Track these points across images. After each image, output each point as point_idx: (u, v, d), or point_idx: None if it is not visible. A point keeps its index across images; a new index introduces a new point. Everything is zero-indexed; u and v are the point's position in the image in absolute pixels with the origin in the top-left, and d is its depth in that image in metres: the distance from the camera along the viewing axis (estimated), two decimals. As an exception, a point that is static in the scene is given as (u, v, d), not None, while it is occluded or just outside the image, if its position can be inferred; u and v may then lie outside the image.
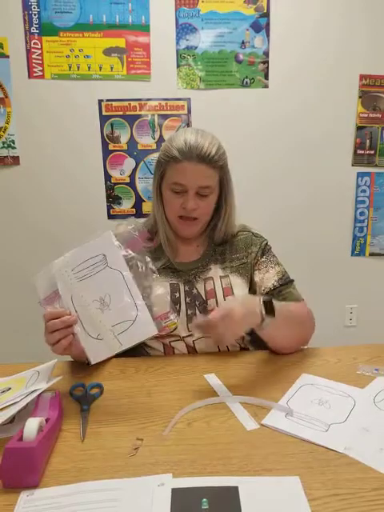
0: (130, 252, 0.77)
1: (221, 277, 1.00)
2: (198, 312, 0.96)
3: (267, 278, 1.01)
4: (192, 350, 0.97)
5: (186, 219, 0.96)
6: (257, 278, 1.02)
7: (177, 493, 0.52)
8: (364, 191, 2.14)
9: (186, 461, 0.59)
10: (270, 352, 0.95)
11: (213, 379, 0.81)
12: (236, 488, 0.53)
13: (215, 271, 1.01)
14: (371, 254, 2.21)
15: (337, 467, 0.57)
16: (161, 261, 0.99)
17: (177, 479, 0.55)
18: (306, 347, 0.97)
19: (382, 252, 2.21)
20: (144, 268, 0.81)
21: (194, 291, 0.98)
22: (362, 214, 2.17)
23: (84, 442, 0.64)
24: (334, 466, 0.57)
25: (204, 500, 0.51)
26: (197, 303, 0.97)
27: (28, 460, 0.54)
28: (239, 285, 1.00)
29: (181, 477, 0.55)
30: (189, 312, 0.96)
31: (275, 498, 0.52)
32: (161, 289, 0.89)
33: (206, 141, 0.91)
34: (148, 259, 0.81)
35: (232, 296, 0.98)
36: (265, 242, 1.07)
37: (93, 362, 0.73)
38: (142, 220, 1.07)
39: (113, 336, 0.72)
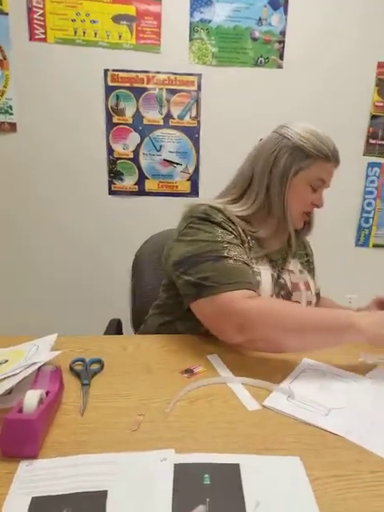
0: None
1: (299, 270, 1.06)
2: None
3: (316, 281, 1.13)
4: None
5: (306, 213, 1.03)
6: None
7: (179, 468, 0.52)
8: (373, 182, 2.12)
9: (187, 437, 0.59)
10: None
11: (216, 360, 0.81)
12: (237, 465, 0.53)
13: (294, 265, 1.05)
14: (375, 246, 2.21)
15: (336, 450, 0.58)
16: (264, 250, 0.99)
17: (179, 455, 0.55)
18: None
19: (385, 244, 2.22)
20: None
21: (282, 281, 0.99)
22: (369, 204, 2.15)
23: (84, 415, 0.63)
24: (333, 449, 0.58)
25: (206, 475, 0.51)
26: (282, 293, 0.98)
27: (28, 431, 0.54)
28: (311, 281, 1.08)
29: (183, 453, 0.55)
30: None
31: (276, 476, 0.52)
32: (267, 278, 0.95)
33: None
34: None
35: (310, 292, 1.05)
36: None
37: None
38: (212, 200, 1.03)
39: None
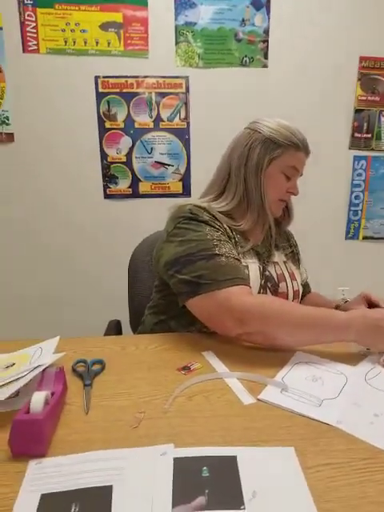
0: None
1: (284, 262, 1.09)
2: (269, 293, 1.02)
3: (303, 271, 1.18)
4: None
5: (282, 201, 1.06)
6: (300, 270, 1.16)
7: (178, 462, 0.55)
8: (360, 175, 2.15)
9: (186, 432, 0.61)
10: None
11: (211, 356, 0.84)
12: (234, 457, 0.56)
13: (279, 256, 1.09)
14: (365, 238, 2.24)
15: (329, 439, 0.60)
16: (249, 242, 1.02)
17: (178, 449, 0.57)
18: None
19: (375, 236, 2.24)
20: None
21: (267, 273, 1.02)
22: (357, 197, 2.18)
23: (88, 414, 0.66)
24: (326, 438, 0.60)
25: (204, 468, 0.54)
26: (269, 285, 1.01)
27: (35, 431, 0.56)
28: (295, 271, 1.11)
29: (182, 447, 0.58)
30: (261, 293, 1.01)
31: (271, 466, 0.55)
32: (255, 271, 0.99)
33: None
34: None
35: (296, 281, 1.09)
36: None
37: None
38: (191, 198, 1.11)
39: None
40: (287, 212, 1.15)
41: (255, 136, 1.00)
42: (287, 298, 1.05)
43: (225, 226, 0.99)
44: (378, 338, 0.81)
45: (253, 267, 0.99)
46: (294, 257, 1.17)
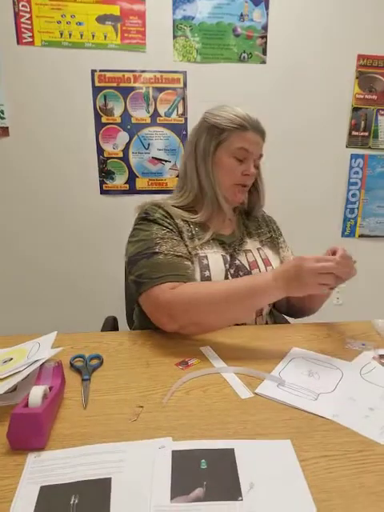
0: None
1: (258, 249, 1.07)
2: None
3: (287, 256, 1.15)
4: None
5: (240, 185, 1.02)
6: (281, 255, 1.13)
7: (177, 454, 0.55)
8: (357, 173, 2.16)
9: (184, 426, 0.62)
10: (263, 327, 0.99)
11: (208, 351, 0.84)
12: (232, 450, 0.56)
13: (252, 244, 1.08)
14: (361, 236, 2.25)
15: (325, 432, 0.61)
16: (209, 233, 1.02)
17: (177, 442, 0.58)
18: (296, 323, 1.01)
19: (371, 234, 2.25)
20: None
21: (237, 262, 1.02)
22: (353, 195, 2.19)
23: (86, 408, 0.66)
24: (322, 431, 0.61)
25: (203, 461, 0.54)
26: (241, 273, 1.01)
27: (34, 424, 0.57)
28: (272, 256, 1.09)
29: (180, 440, 0.58)
30: None
31: (268, 459, 0.56)
32: (216, 259, 0.98)
33: None
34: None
35: (271, 267, 1.06)
36: (277, 223, 1.21)
37: None
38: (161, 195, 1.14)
39: None
40: (257, 195, 1.13)
41: (201, 126, 1.01)
42: None
43: (177, 221, 1.00)
44: (302, 281, 0.79)
45: (214, 257, 0.99)
46: (273, 242, 1.15)
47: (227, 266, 0.99)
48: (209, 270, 0.96)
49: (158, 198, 1.11)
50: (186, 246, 0.98)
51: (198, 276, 0.95)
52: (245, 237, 1.08)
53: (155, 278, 0.89)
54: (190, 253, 0.97)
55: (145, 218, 1.00)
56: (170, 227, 0.98)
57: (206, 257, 0.98)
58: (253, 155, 1.00)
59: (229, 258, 1.01)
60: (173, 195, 1.09)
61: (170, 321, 0.88)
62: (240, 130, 0.97)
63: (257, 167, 1.04)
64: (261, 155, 1.03)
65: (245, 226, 1.11)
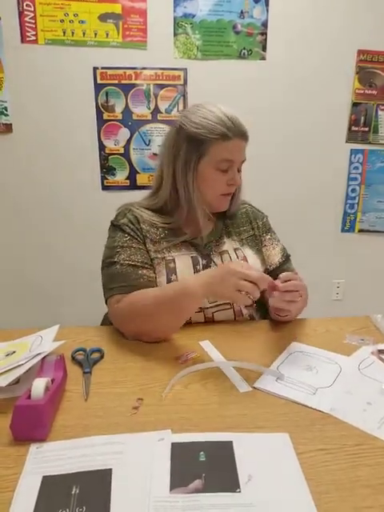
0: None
1: (235, 249, 1.04)
2: None
3: (273, 254, 1.09)
4: (210, 321, 0.98)
5: (226, 194, 0.99)
6: (264, 253, 1.09)
7: (176, 447, 0.56)
8: (356, 168, 2.16)
9: (183, 419, 0.63)
10: (262, 322, 1.00)
11: (208, 346, 0.85)
12: (231, 442, 0.57)
13: (229, 244, 1.04)
14: (360, 231, 2.26)
15: (323, 426, 0.62)
16: (181, 236, 1.00)
17: (176, 434, 0.59)
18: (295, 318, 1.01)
19: (370, 229, 2.26)
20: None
21: (212, 264, 1.00)
22: (353, 190, 2.19)
23: (87, 401, 0.67)
24: (320, 425, 0.62)
25: (201, 453, 0.55)
26: None
27: (36, 416, 0.58)
28: (251, 256, 1.05)
29: (179, 433, 0.59)
30: None
31: (266, 452, 0.57)
32: (185, 262, 0.97)
33: (237, 115, 0.93)
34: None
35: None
36: (266, 218, 1.14)
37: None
38: (136, 194, 1.09)
39: None
40: (235, 194, 1.06)
41: (180, 134, 0.94)
42: None
43: (143, 226, 0.98)
44: (223, 283, 0.77)
45: (182, 258, 0.97)
46: (255, 240, 1.09)
47: (198, 267, 0.98)
48: (175, 274, 0.95)
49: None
50: (148, 251, 0.97)
51: (164, 280, 0.94)
52: (223, 237, 1.05)
53: (108, 290, 0.93)
54: (151, 258, 0.96)
55: (112, 223, 1.02)
56: (132, 233, 0.97)
57: (174, 260, 0.97)
58: (237, 163, 0.96)
59: (202, 260, 0.99)
60: (148, 196, 1.06)
61: (124, 331, 0.90)
62: (222, 139, 0.90)
63: (239, 171, 0.99)
64: (244, 160, 0.98)
65: (225, 225, 1.07)
